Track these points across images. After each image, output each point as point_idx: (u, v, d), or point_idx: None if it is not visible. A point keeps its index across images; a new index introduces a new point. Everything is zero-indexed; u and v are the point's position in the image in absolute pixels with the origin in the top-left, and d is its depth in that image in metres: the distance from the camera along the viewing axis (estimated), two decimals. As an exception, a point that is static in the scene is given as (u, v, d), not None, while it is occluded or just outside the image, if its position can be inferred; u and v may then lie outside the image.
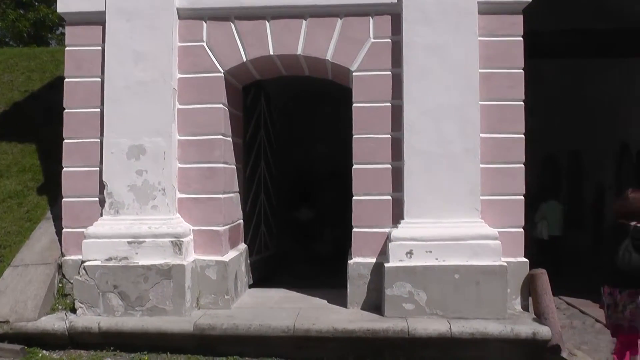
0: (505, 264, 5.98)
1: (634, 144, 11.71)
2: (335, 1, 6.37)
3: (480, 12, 6.24)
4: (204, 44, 6.50)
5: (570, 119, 14.36)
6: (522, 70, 6.31)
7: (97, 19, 6.44)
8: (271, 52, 6.48)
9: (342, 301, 6.40)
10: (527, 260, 6.29)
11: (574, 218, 14.24)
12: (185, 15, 6.47)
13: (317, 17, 6.45)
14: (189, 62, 6.48)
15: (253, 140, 8.01)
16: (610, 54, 11.10)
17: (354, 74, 6.44)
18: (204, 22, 6.50)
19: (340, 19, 6.44)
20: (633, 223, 4.88)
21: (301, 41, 6.46)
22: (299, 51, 6.47)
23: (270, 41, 6.46)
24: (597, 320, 7.48)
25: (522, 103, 6.31)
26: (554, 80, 13.73)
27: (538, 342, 5.62)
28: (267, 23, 6.46)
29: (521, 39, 6.32)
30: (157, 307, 5.97)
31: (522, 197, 6.32)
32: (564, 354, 5.67)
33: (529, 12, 6.43)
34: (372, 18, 6.43)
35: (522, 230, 6.31)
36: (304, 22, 6.45)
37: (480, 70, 6.21)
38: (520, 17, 6.34)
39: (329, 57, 6.47)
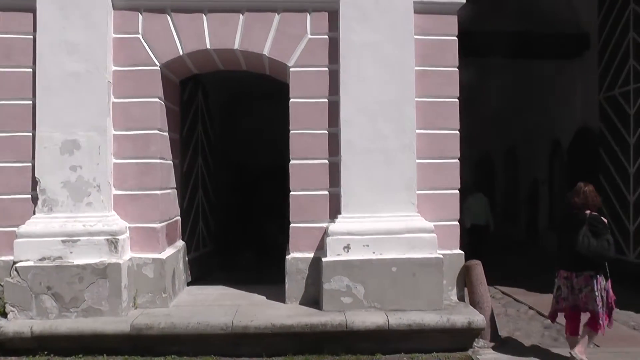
0: (441, 256, 6.14)
1: (564, 141, 12.23)
2: (272, -4, 6.34)
3: (417, 12, 6.37)
4: (140, 36, 6.35)
5: (506, 117, 14.89)
6: (456, 69, 6.49)
7: (27, 6, 6.18)
8: (208, 46, 6.40)
9: (281, 297, 6.42)
10: (462, 252, 6.48)
11: (509, 212, 14.79)
12: (121, 5, 6.30)
13: (254, 11, 6.42)
14: (125, 54, 6.31)
15: (190, 135, 7.89)
16: (541, 55, 11.62)
17: (291, 69, 6.44)
18: (139, 14, 6.35)
19: (278, 14, 6.44)
20: (588, 212, 5.30)
21: (238, 35, 6.41)
22: (236, 45, 6.42)
23: (207, 35, 6.38)
24: (530, 307, 7.85)
25: (456, 100, 6.48)
26: (490, 79, 14.20)
27: (473, 331, 5.82)
28: (204, 16, 6.38)
29: (456, 38, 6.49)
30: (93, 307, 5.81)
31: (457, 192, 6.51)
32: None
33: (464, 12, 6.61)
34: (309, 14, 6.46)
35: (457, 223, 6.50)
36: (241, 16, 6.41)
37: (416, 68, 6.33)
38: (455, 18, 6.51)
39: (266, 52, 6.45)
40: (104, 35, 6.16)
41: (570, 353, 5.43)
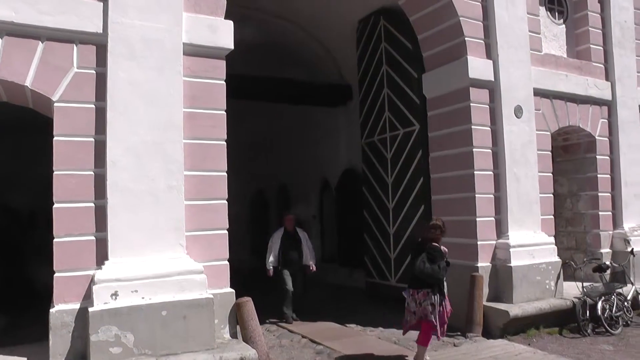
0: (211, 296, 6.16)
1: (332, 180, 13.31)
2: (35, 21, 5.81)
3: (186, 53, 6.44)
4: None
5: (279, 157, 15.72)
6: (224, 112, 6.67)
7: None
8: (-41, 72, 5.65)
9: (45, 356, 5.76)
10: (233, 290, 6.59)
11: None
12: None
13: (15, 36, 5.82)
14: None
15: None
16: (310, 102, 12.65)
17: (55, 104, 5.98)
18: None
19: (42, 42, 5.93)
20: (435, 244, 6.74)
21: None
22: None
23: (-41, 58, 5.64)
24: (303, 337, 8.26)
25: (224, 142, 6.64)
26: (263, 121, 14.97)
27: (247, 365, 5.90)
28: (-46, 36, 5.64)
29: (224, 82, 6.69)
30: None
31: (226, 232, 6.63)
32: None
33: (234, 56, 6.86)
34: (76, 46, 6.08)
35: (226, 262, 6.60)
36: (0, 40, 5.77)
37: (184, 109, 6.38)
38: (223, 62, 6.73)
39: (28, 83, 5.87)
40: None
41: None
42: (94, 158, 6.06)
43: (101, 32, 6.10)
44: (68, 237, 5.93)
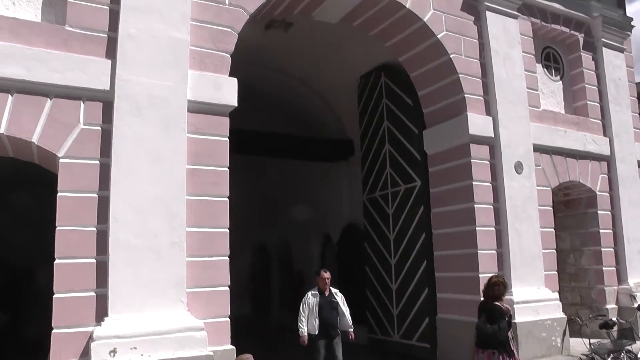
0: (211, 353, 6.07)
1: (334, 235, 13.26)
2: (45, 79, 5.97)
3: (190, 110, 6.55)
4: None
5: (281, 212, 15.70)
6: (227, 168, 6.73)
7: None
8: (-30, 128, 5.73)
9: None
10: (233, 347, 6.48)
11: (285, 300, 15.25)
12: None
13: (25, 93, 5.93)
14: None
15: None
16: (311, 157, 12.75)
17: (60, 160, 6.04)
18: None
19: (51, 99, 6.05)
20: (496, 303, 6.47)
21: (5, 119, 5.82)
22: (2, 130, 5.81)
23: (-29, 115, 5.72)
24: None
25: (226, 199, 6.68)
26: (266, 176, 15.03)
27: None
28: (-33, 94, 5.73)
29: (227, 139, 6.78)
30: None
31: (227, 288, 6.58)
32: None
33: (236, 110, 6.95)
34: (83, 103, 6.20)
35: (227, 319, 6.51)
36: (10, 97, 5.87)
37: (187, 166, 6.43)
38: (227, 119, 6.84)
39: (35, 140, 5.95)
40: None
41: None
42: (96, 214, 6.07)
43: (108, 89, 6.24)
44: (68, 293, 5.87)
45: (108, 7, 6.47)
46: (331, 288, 7.93)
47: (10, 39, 5.94)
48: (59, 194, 6.01)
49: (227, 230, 6.64)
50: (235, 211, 6.80)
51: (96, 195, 6.11)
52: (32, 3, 6.39)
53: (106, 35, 6.40)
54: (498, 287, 6.59)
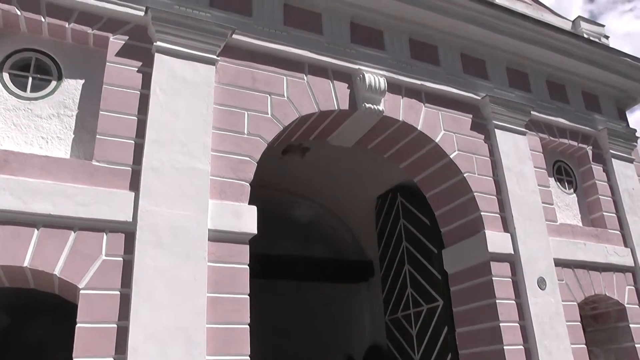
0: None
1: (357, 356, 12.84)
2: (71, 213, 6.14)
3: (211, 239, 6.62)
4: None
5: (302, 334, 15.35)
6: (247, 296, 6.69)
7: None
8: (-4, 262, 5.84)
9: None
10: None
11: None
12: None
13: (50, 227, 6.10)
14: None
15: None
16: (331, 279, 12.69)
17: (81, 291, 6.06)
18: None
19: (75, 232, 6.19)
20: None
21: (30, 253, 5.95)
22: (26, 263, 5.91)
23: (-3, 250, 5.85)
24: None
25: (247, 326, 6.57)
26: (287, 298, 14.87)
27: None
28: (-6, 228, 5.90)
29: (247, 266, 6.80)
30: None
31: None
32: None
33: (260, 235, 7.03)
34: (106, 234, 6.31)
35: None
36: (35, 231, 6.03)
37: (208, 294, 6.40)
38: (247, 247, 6.90)
39: (57, 272, 6.01)
40: None
41: None
42: (115, 345, 5.98)
43: (131, 220, 6.38)
44: None
45: (133, 142, 6.81)
46: None
47: (41, 175, 6.23)
48: (77, 325, 5.95)
49: (248, 357, 6.47)
50: (253, 335, 6.65)
51: (115, 326, 6.05)
52: (63, 141, 6.77)
53: (130, 168, 6.68)
54: None
